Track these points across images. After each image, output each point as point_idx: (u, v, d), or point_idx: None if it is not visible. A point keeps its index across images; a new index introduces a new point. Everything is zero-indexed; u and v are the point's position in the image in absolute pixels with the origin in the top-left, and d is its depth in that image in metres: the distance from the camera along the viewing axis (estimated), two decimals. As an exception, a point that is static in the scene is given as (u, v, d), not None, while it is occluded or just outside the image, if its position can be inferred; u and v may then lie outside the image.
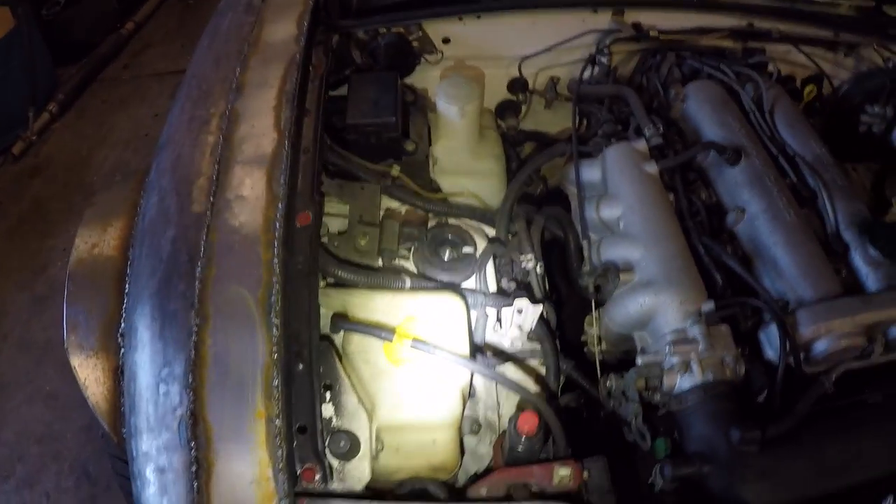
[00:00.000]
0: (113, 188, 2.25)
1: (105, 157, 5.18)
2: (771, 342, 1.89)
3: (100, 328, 1.85)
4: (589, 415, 2.07)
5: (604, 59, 2.71)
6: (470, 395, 1.93)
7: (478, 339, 2.01)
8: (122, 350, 1.64)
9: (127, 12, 6.45)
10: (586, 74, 2.74)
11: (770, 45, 2.90)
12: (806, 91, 2.94)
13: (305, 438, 1.48)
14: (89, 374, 1.82)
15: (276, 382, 1.44)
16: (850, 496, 1.75)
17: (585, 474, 1.62)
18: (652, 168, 2.21)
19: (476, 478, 1.68)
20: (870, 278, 2.03)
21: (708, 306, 1.83)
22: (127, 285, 1.73)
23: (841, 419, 1.81)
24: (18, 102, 5.24)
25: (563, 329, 2.16)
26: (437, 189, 2.40)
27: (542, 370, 2.00)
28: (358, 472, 1.56)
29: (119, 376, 1.66)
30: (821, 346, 1.86)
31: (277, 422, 1.40)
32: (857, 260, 2.07)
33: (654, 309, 1.89)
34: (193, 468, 1.36)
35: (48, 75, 5.57)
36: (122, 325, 1.68)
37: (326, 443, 1.53)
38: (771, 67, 2.77)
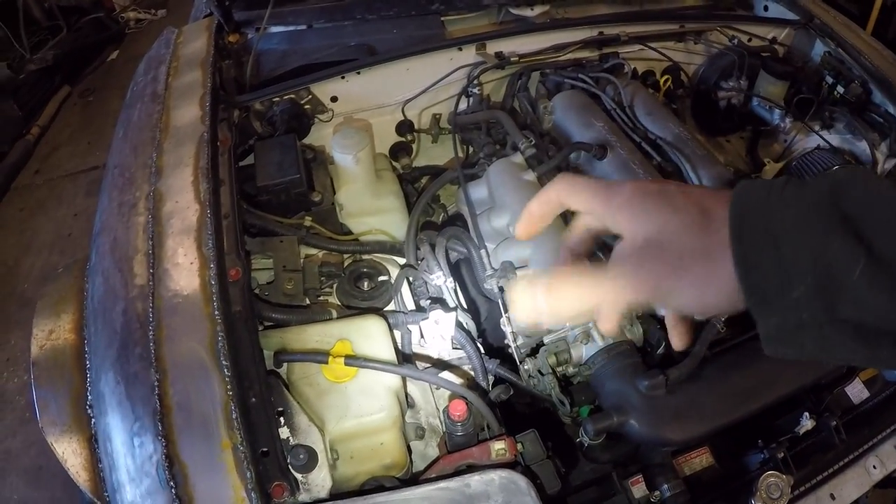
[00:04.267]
0: (58, 279, 2.33)
1: (32, 264, 5.13)
2: None
3: (69, 404, 1.94)
4: (520, 402, 2.27)
5: (475, 90, 2.93)
6: (410, 405, 2.11)
7: (406, 354, 2.20)
8: (93, 419, 1.79)
9: (30, 117, 6.38)
10: (462, 106, 2.96)
11: (624, 48, 3.16)
12: (661, 80, 3.24)
13: (269, 460, 1.62)
14: (66, 447, 1.90)
15: (234, 415, 1.59)
16: (766, 416, 2.02)
17: (519, 446, 1.80)
18: (530, 176, 2.43)
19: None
20: (740, 229, 2.28)
21: (597, 281, 2.07)
22: (87, 360, 1.89)
23: (741, 351, 2.05)
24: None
25: (484, 336, 2.35)
26: (348, 231, 2.57)
27: (472, 373, 2.16)
28: (320, 481, 1.72)
29: (94, 444, 1.79)
30: None
31: (242, 448, 1.55)
32: (727, 215, 2.33)
33: (553, 294, 2.09)
34: (176, 504, 1.51)
35: (-37, 193, 5.50)
36: (89, 396, 1.83)
37: (288, 459, 1.67)
38: (626, 68, 3.04)
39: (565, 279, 0.92)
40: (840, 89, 3.02)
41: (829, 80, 3.10)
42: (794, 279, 0.71)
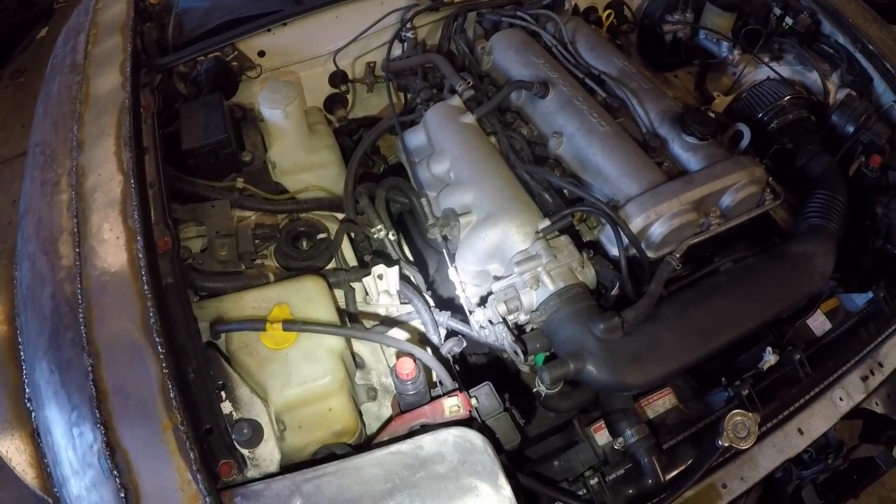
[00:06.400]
0: None
1: (-29, 255, 4.93)
2: (611, 240, 2.06)
3: (7, 399, 1.86)
4: (476, 354, 2.24)
5: (409, 34, 2.83)
6: (359, 365, 2.03)
7: (351, 313, 2.11)
8: (33, 412, 1.71)
9: (-41, 105, 6.08)
10: (397, 51, 2.86)
11: None
12: (604, 16, 3.16)
13: (214, 438, 1.56)
14: (9, 445, 1.82)
15: (172, 394, 1.52)
16: (729, 353, 1.99)
17: (474, 401, 1.74)
18: (468, 118, 2.36)
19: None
20: (691, 162, 2.22)
21: (543, 223, 1.99)
22: (21, 351, 1.79)
23: (698, 289, 2.01)
24: None
25: (434, 288, 2.29)
26: (284, 190, 2.48)
27: (423, 327, 2.08)
28: (268, 455, 1.65)
29: (37, 438, 1.72)
30: (657, 231, 2.04)
31: (183, 428, 1.48)
32: (676, 149, 2.27)
33: (498, 239, 2.02)
34: (122, 494, 1.43)
35: None
36: (27, 389, 1.74)
37: (232, 434, 1.59)
38: (567, 4, 2.94)
39: None
40: (789, 20, 2.94)
41: (777, 11, 3.01)
42: None
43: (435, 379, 1.85)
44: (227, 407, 1.69)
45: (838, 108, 2.65)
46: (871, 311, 2.18)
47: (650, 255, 2.06)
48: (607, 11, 3.20)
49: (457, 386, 1.80)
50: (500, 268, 2.06)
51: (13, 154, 5.67)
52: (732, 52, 2.99)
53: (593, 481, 1.80)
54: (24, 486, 1.83)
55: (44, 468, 1.72)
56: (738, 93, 2.92)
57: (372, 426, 1.94)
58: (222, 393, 1.71)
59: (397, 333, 2.05)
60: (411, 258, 2.33)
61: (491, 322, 1.96)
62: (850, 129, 2.57)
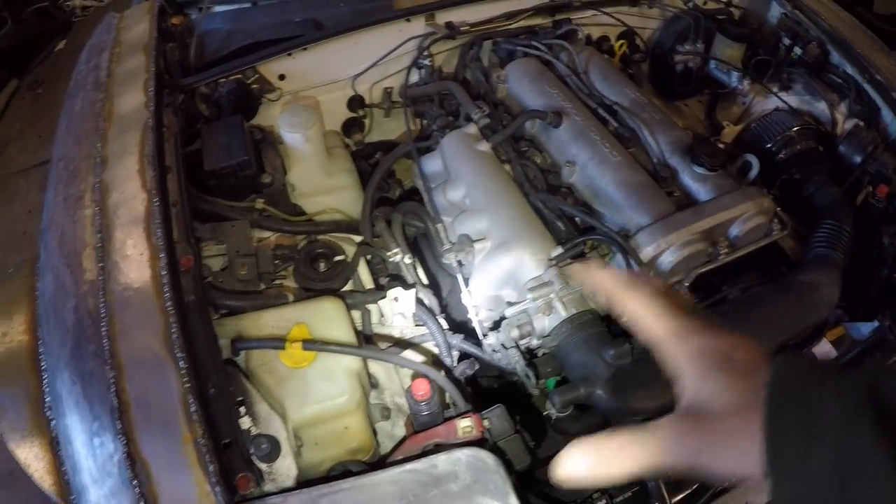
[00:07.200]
0: (9, 279, 2.26)
1: (-13, 265, 4.90)
2: (622, 268, 2.08)
3: (28, 407, 1.88)
4: (487, 377, 2.26)
5: (426, 62, 2.88)
6: (374, 385, 2.07)
7: (367, 334, 2.16)
8: (53, 421, 1.73)
9: (-24, 115, 6.14)
10: (414, 78, 2.92)
11: (577, 14, 3.11)
12: (617, 46, 3.20)
13: (232, 451, 1.59)
14: (28, 452, 1.84)
15: (193, 408, 1.54)
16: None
17: (486, 423, 1.77)
18: (484, 146, 2.40)
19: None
20: (701, 193, 2.25)
21: (556, 251, 2.04)
22: (43, 361, 1.82)
23: (707, 315, 2.02)
24: None
25: (447, 311, 2.31)
26: (301, 212, 2.51)
27: (436, 350, 2.12)
28: (285, 470, 1.69)
29: (55, 446, 1.73)
30: (667, 260, 2.06)
31: (203, 441, 1.51)
32: (686, 179, 2.30)
33: (512, 266, 2.06)
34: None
35: (-86, 196, 5.30)
36: (47, 398, 1.76)
37: (251, 449, 1.63)
38: (580, 34, 3.00)
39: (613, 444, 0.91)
40: (797, 51, 2.99)
41: (787, 41, 3.07)
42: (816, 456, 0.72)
43: (448, 400, 1.89)
44: (245, 422, 1.73)
45: (846, 139, 2.69)
46: (877, 339, 2.21)
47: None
48: (620, 41, 3.25)
49: (470, 407, 1.84)
50: (514, 293, 2.10)
51: (29, 164, 5.70)
52: (742, 82, 3.04)
53: (601, 503, 1.84)
54: (31, 491, 1.87)
55: (61, 476, 1.73)
56: (748, 123, 2.97)
57: (385, 445, 1.97)
58: (241, 408, 1.75)
59: (411, 355, 2.10)
60: (426, 281, 2.36)
61: (504, 346, 2.00)
62: (858, 159, 2.61)
